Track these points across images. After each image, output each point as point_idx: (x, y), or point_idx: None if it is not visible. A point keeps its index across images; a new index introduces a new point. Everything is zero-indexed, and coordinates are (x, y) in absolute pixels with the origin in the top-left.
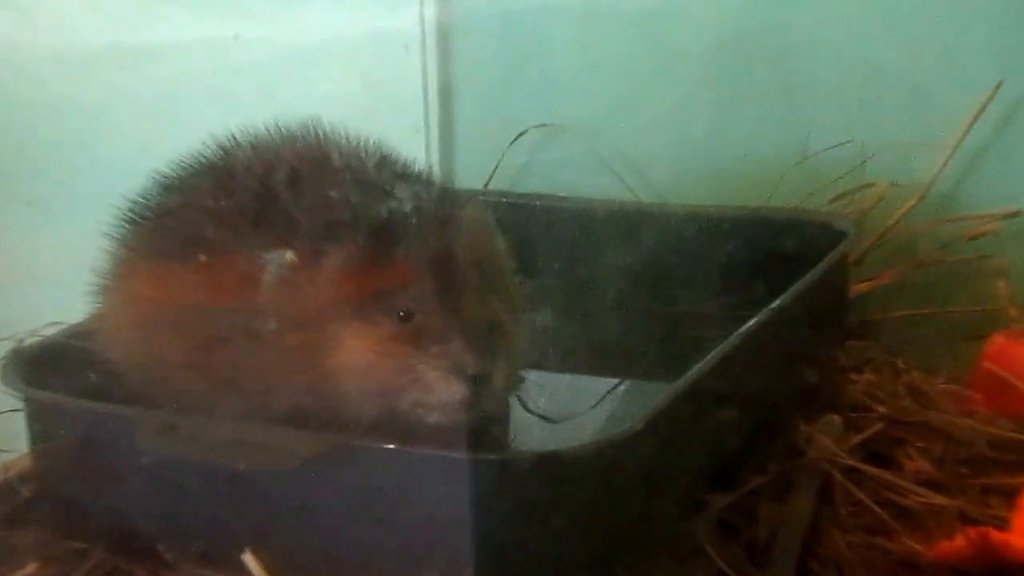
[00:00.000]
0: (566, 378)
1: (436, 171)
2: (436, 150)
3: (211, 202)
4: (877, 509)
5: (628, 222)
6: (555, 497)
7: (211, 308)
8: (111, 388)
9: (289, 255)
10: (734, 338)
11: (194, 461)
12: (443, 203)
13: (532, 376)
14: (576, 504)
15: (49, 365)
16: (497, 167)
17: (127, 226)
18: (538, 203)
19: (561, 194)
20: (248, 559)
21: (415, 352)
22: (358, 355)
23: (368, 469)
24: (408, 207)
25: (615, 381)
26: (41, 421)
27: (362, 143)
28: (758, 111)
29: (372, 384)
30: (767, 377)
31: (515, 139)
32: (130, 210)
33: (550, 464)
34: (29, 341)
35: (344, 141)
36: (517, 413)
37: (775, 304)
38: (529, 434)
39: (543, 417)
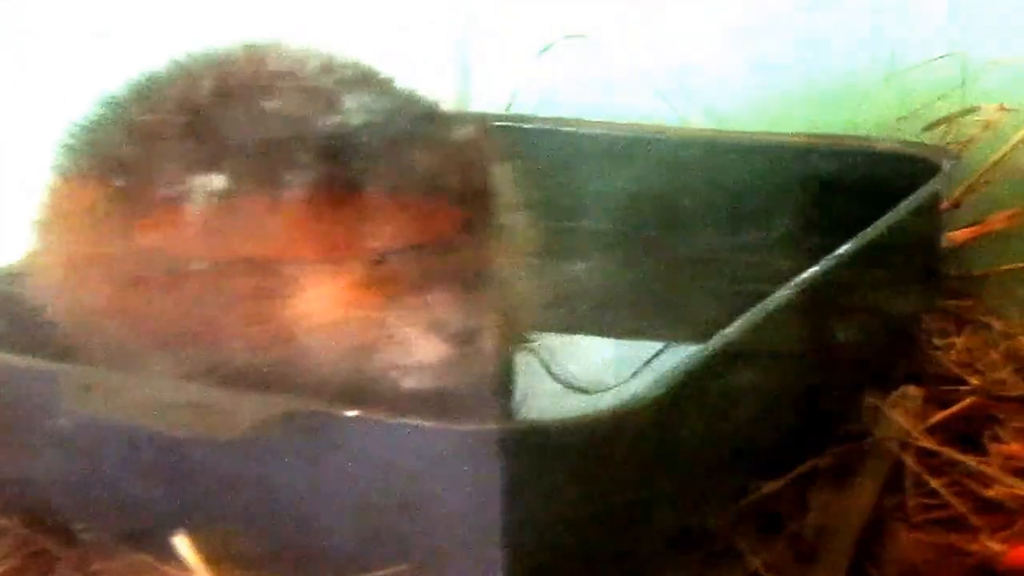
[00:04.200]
0: (604, 341)
1: (447, 90)
2: (448, 64)
3: (133, 115)
4: (955, 501)
5: (676, 153)
6: (546, 480)
7: (139, 244)
8: (45, 340)
9: (217, 179)
10: (785, 291)
11: (118, 425)
12: (429, 123)
13: (562, 339)
14: (574, 489)
15: None
16: (519, 86)
17: (60, 150)
18: (567, 129)
19: (596, 119)
20: (180, 543)
21: (387, 303)
22: (319, 305)
23: (326, 441)
24: (385, 126)
25: (660, 344)
26: None
27: (335, 53)
28: (835, 18)
29: (337, 341)
30: (829, 339)
31: (541, 51)
32: (67, 131)
33: (535, 439)
34: None
35: (311, 51)
36: (545, 383)
37: (839, 252)
38: (558, 407)
39: (572, 387)
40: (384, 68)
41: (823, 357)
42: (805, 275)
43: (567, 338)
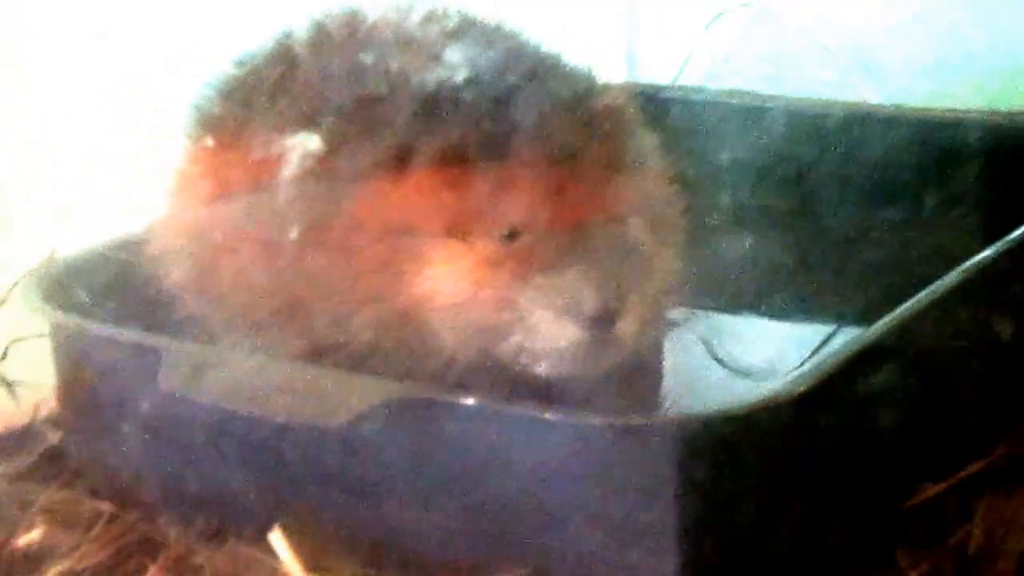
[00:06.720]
0: (768, 322)
1: (615, 60)
2: (616, 35)
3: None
4: None
5: (853, 129)
6: (685, 477)
7: (265, 211)
8: (163, 314)
9: (315, 140)
10: (953, 275)
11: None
12: (570, 92)
13: (726, 319)
14: (712, 490)
15: (91, 282)
16: (690, 56)
17: (192, 114)
18: (736, 101)
19: (769, 92)
20: (275, 538)
21: (519, 283)
22: (446, 283)
23: (441, 429)
24: (523, 94)
25: (827, 327)
26: (63, 351)
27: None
28: None
29: (463, 321)
30: (1003, 326)
31: (712, 21)
32: (201, 93)
33: (665, 434)
34: (68, 252)
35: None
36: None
37: (1012, 236)
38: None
39: (737, 371)
40: (543, 37)
41: (996, 346)
42: (974, 259)
43: (731, 318)
